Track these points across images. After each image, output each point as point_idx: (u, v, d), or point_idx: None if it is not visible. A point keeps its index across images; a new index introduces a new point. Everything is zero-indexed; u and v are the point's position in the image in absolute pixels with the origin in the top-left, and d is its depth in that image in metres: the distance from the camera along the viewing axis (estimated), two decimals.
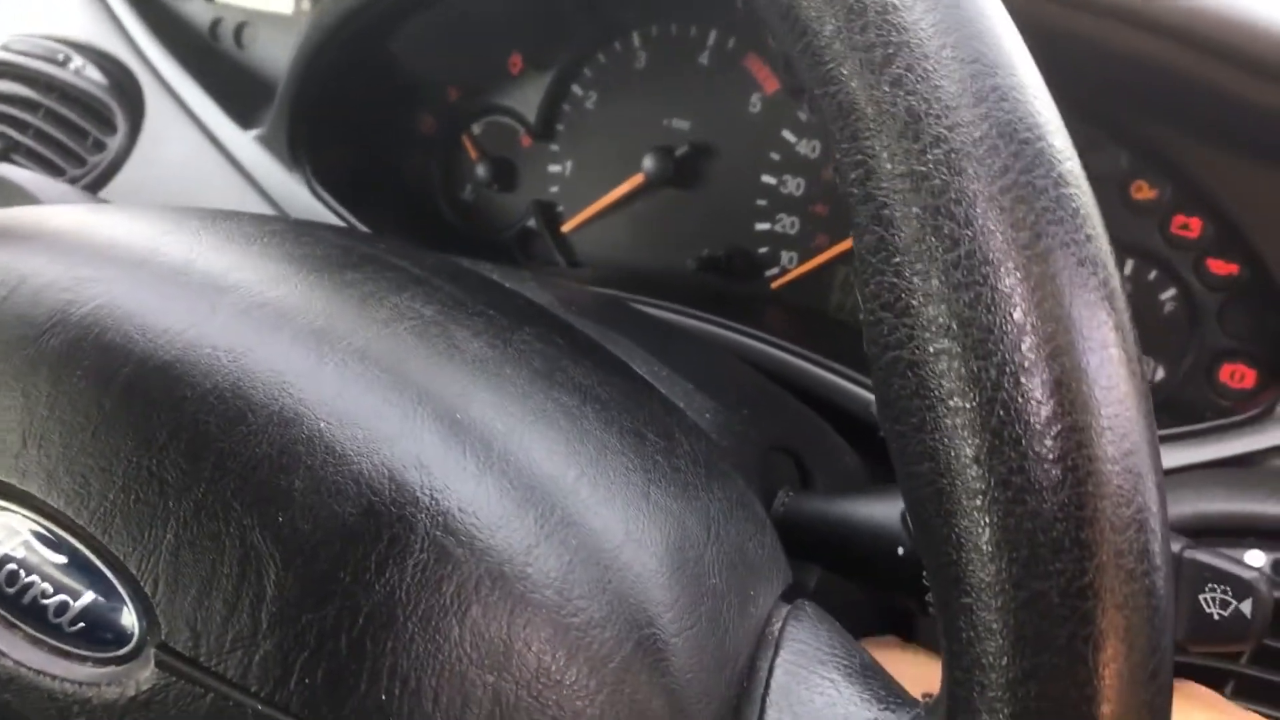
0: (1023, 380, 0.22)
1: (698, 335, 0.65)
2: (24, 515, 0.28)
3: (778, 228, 0.73)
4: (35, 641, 0.27)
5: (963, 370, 0.23)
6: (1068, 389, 0.22)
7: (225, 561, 0.26)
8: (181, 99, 0.80)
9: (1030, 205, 0.23)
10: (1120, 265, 0.49)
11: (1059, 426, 0.22)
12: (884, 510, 0.40)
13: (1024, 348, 0.22)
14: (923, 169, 0.23)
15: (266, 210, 0.77)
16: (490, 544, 0.27)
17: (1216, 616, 0.38)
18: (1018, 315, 0.22)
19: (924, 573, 0.38)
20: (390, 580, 0.26)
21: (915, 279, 0.23)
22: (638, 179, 0.75)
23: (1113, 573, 0.22)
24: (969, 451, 0.23)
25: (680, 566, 0.30)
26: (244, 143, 0.77)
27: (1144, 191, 0.61)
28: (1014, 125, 0.23)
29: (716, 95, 0.73)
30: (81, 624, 0.27)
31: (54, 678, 0.27)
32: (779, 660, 0.30)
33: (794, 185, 0.72)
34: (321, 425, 0.27)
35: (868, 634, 0.32)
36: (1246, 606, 0.38)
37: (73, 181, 0.79)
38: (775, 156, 0.72)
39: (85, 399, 0.28)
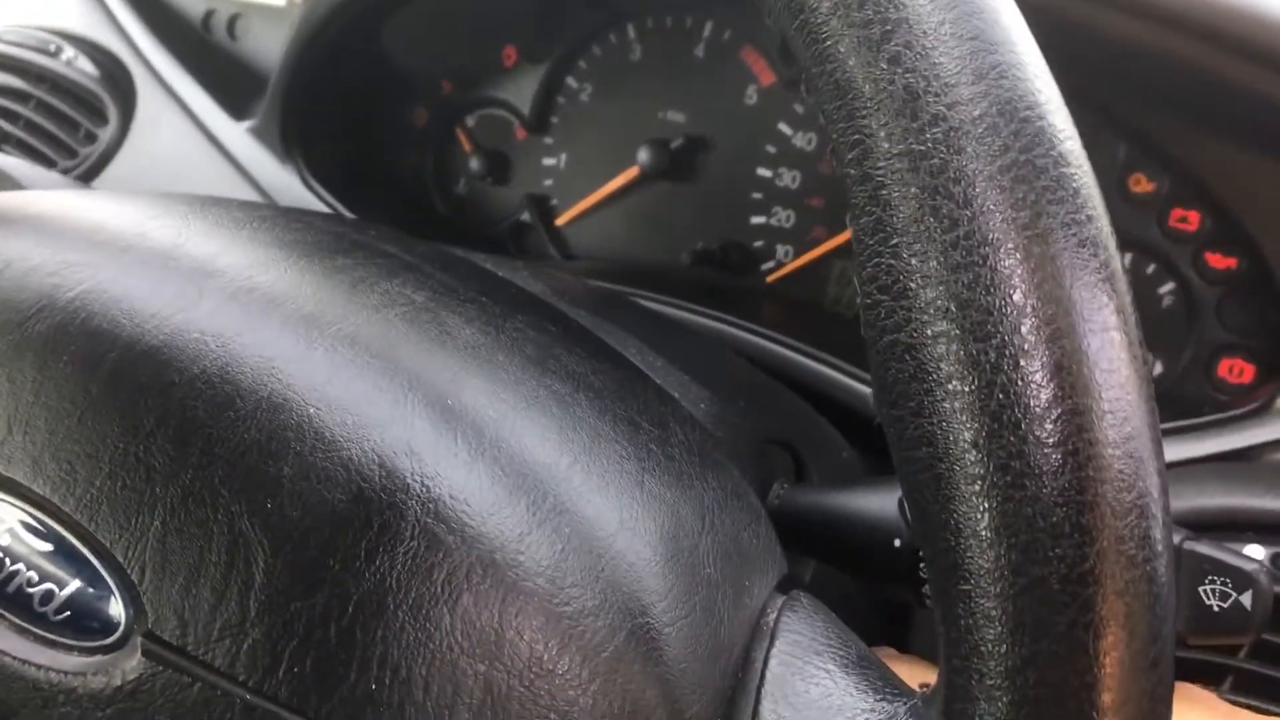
0: (1022, 363, 0.22)
1: (693, 328, 0.64)
2: (9, 502, 0.27)
3: (773, 221, 0.72)
4: (20, 630, 0.27)
5: (961, 353, 0.22)
6: (1068, 372, 0.22)
7: (213, 549, 0.26)
8: (174, 90, 0.79)
9: (1030, 184, 0.22)
10: None
11: (1059, 410, 0.22)
12: (880, 502, 0.40)
13: (1024, 330, 0.22)
14: (921, 148, 0.23)
15: (258, 200, 0.76)
16: (482, 531, 0.26)
17: (1216, 608, 0.38)
18: (1017, 297, 0.22)
19: (920, 565, 0.38)
20: (380, 568, 0.25)
21: (913, 260, 0.23)
22: (632, 172, 0.75)
23: (1113, 559, 0.22)
24: (968, 436, 0.22)
25: (674, 556, 0.29)
26: (236, 134, 0.77)
27: (1142, 184, 0.60)
28: (1014, 103, 0.23)
29: (712, 88, 0.73)
30: (67, 612, 0.27)
31: (39, 667, 0.26)
32: (774, 651, 0.30)
33: (790, 178, 0.71)
34: (311, 411, 0.27)
35: (863, 627, 0.32)
36: (1247, 599, 0.37)
37: (64, 173, 0.78)
38: (771, 149, 0.71)
39: (71, 384, 0.27)
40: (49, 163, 0.80)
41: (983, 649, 0.23)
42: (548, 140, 0.79)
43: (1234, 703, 0.47)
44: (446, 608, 0.25)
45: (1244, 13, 0.49)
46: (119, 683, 0.26)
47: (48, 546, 0.27)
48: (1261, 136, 0.55)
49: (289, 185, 0.76)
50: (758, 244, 0.73)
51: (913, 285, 0.23)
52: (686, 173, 0.74)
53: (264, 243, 0.33)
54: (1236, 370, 0.59)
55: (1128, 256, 0.61)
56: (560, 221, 0.80)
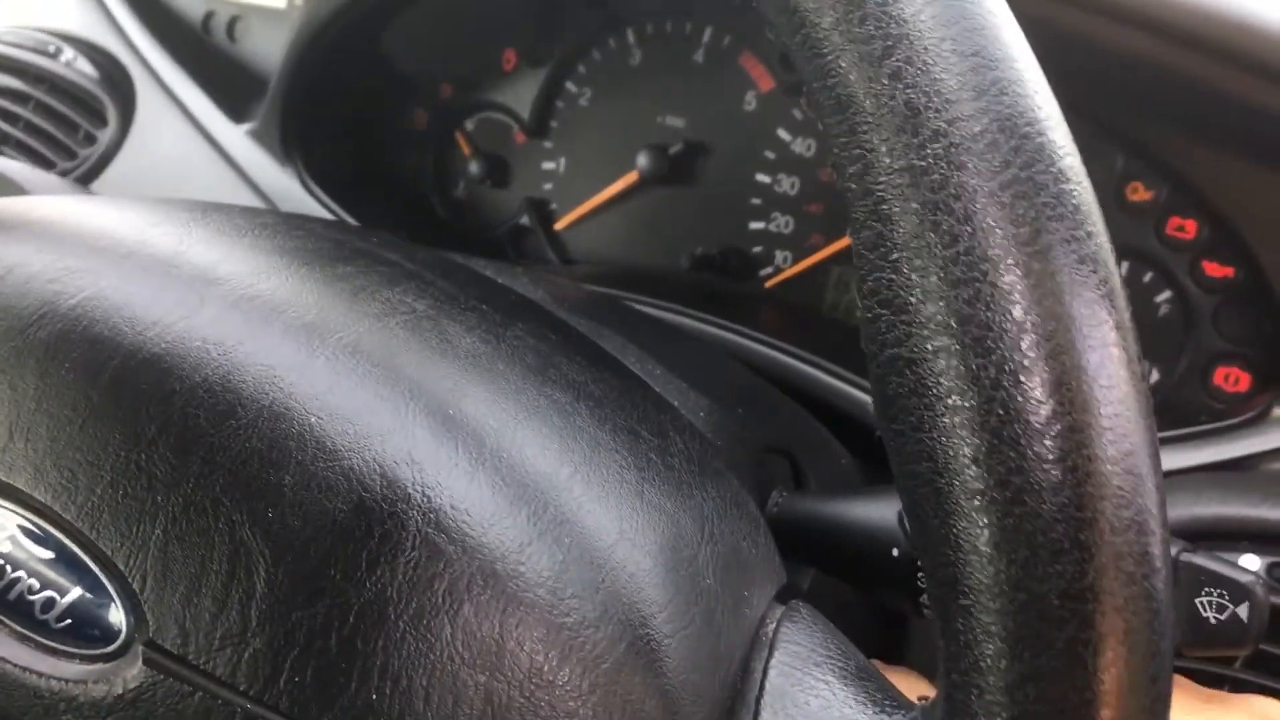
0: (1022, 379, 0.22)
1: (692, 334, 0.64)
2: (10, 510, 0.27)
3: (772, 227, 0.72)
4: (21, 638, 0.27)
5: (961, 368, 0.23)
6: (1068, 388, 0.22)
7: (214, 558, 0.26)
8: (173, 92, 0.79)
9: (1030, 201, 0.23)
10: None
11: (1059, 426, 0.22)
12: (879, 511, 0.40)
13: (1023, 346, 0.22)
14: (922, 164, 0.23)
15: (257, 204, 0.76)
16: (482, 542, 0.26)
17: (1213, 621, 0.38)
18: (1017, 313, 0.22)
19: (918, 574, 0.38)
20: (381, 578, 0.25)
21: (914, 275, 0.23)
22: (632, 177, 0.75)
23: (1112, 575, 0.22)
24: (967, 451, 0.23)
25: (674, 566, 0.30)
26: (236, 137, 0.77)
27: (1139, 193, 0.60)
28: (1014, 120, 0.23)
29: (711, 93, 0.73)
30: (68, 620, 0.27)
31: (40, 675, 0.26)
32: (773, 662, 0.30)
33: (789, 184, 0.71)
34: (312, 420, 0.27)
35: (859, 637, 0.32)
36: (1243, 611, 0.38)
37: (63, 175, 0.78)
38: (770, 155, 0.72)
39: (73, 392, 0.27)
40: (48, 164, 0.80)
41: (982, 664, 0.23)
42: (547, 144, 0.79)
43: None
44: (447, 618, 0.26)
45: (1240, 24, 0.49)
46: (120, 691, 0.26)
47: (49, 554, 0.27)
48: (1258, 146, 0.55)
49: (288, 188, 0.76)
50: (756, 250, 0.73)
51: (913, 300, 0.23)
52: (686, 178, 0.74)
53: (265, 250, 0.33)
54: (1232, 379, 0.60)
55: (1125, 265, 0.61)
56: (559, 225, 0.80)
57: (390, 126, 0.84)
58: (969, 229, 0.22)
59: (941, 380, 0.23)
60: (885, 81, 0.23)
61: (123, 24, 0.82)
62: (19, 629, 0.27)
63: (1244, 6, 0.49)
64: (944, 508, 0.23)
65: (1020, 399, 0.22)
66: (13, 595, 0.27)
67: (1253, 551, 0.47)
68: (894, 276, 0.23)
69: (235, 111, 0.78)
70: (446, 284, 0.37)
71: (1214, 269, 0.59)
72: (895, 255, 0.23)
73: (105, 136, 0.79)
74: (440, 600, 0.26)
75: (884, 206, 0.23)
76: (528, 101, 0.78)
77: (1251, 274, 0.58)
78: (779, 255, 0.73)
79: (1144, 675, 0.22)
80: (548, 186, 0.80)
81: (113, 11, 0.82)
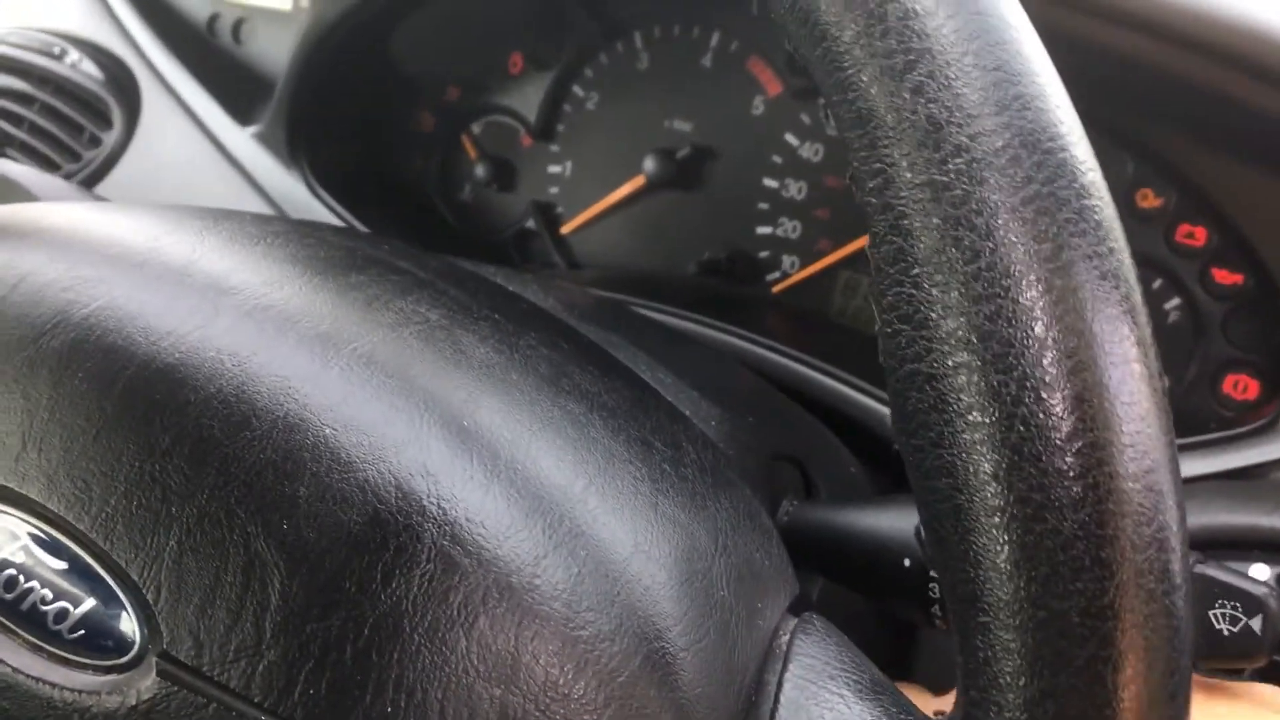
0: (1043, 395, 0.22)
1: (701, 341, 0.64)
2: (23, 520, 0.27)
3: (779, 231, 0.72)
4: (34, 648, 0.27)
5: (982, 384, 0.22)
6: (1089, 405, 0.22)
7: (229, 569, 0.26)
8: (178, 95, 0.79)
9: (1053, 217, 0.22)
10: None
11: (1080, 443, 0.22)
12: (890, 521, 0.40)
13: (1045, 362, 0.22)
14: (943, 179, 0.23)
15: (264, 207, 0.76)
16: (498, 554, 0.26)
17: (1226, 632, 0.38)
18: (1039, 329, 0.22)
19: (930, 584, 0.38)
20: (396, 590, 0.25)
21: (934, 291, 0.23)
22: (638, 181, 0.75)
23: (1133, 592, 0.22)
24: (988, 467, 0.22)
25: (689, 579, 0.29)
26: (241, 140, 0.77)
27: (1149, 200, 0.60)
28: (1036, 135, 0.23)
29: (719, 97, 0.73)
30: (81, 631, 0.27)
31: (53, 685, 0.26)
32: (788, 674, 0.30)
33: (796, 189, 0.71)
34: (327, 431, 0.27)
35: (868, 648, 0.32)
36: (1256, 623, 0.38)
37: (68, 177, 0.78)
38: (777, 160, 0.71)
39: (87, 402, 0.27)
40: (52, 166, 0.80)
41: (1001, 681, 0.23)
42: (554, 148, 0.79)
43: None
44: (462, 631, 0.25)
45: (1250, 30, 0.49)
46: (134, 702, 0.26)
47: (62, 564, 0.27)
48: (1268, 153, 0.55)
49: (294, 191, 0.76)
50: (763, 254, 0.73)
51: (934, 316, 0.23)
52: (693, 182, 0.74)
53: (278, 259, 0.33)
54: (1241, 386, 0.60)
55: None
56: (565, 229, 0.80)
57: (396, 129, 0.84)
58: (990, 244, 0.22)
59: (962, 396, 0.23)
60: (907, 96, 0.23)
61: (127, 25, 0.81)
62: (32, 639, 0.27)
63: (1253, 13, 0.49)
64: (963, 524, 0.23)
65: (1041, 415, 0.22)
66: (26, 606, 0.27)
67: (1263, 561, 0.47)
68: (914, 291, 0.23)
69: (240, 114, 0.78)
70: (459, 293, 0.37)
71: (1223, 276, 0.59)
72: (916, 270, 0.23)
73: (110, 139, 0.79)
74: (455, 613, 0.25)
75: (905, 221, 0.23)
76: (535, 105, 0.78)
77: (1261, 281, 0.58)
78: (786, 260, 0.73)
79: (1164, 692, 0.22)
80: (554, 190, 0.80)
81: (118, 13, 0.82)
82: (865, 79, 0.24)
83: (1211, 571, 0.39)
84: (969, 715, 0.24)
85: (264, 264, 0.33)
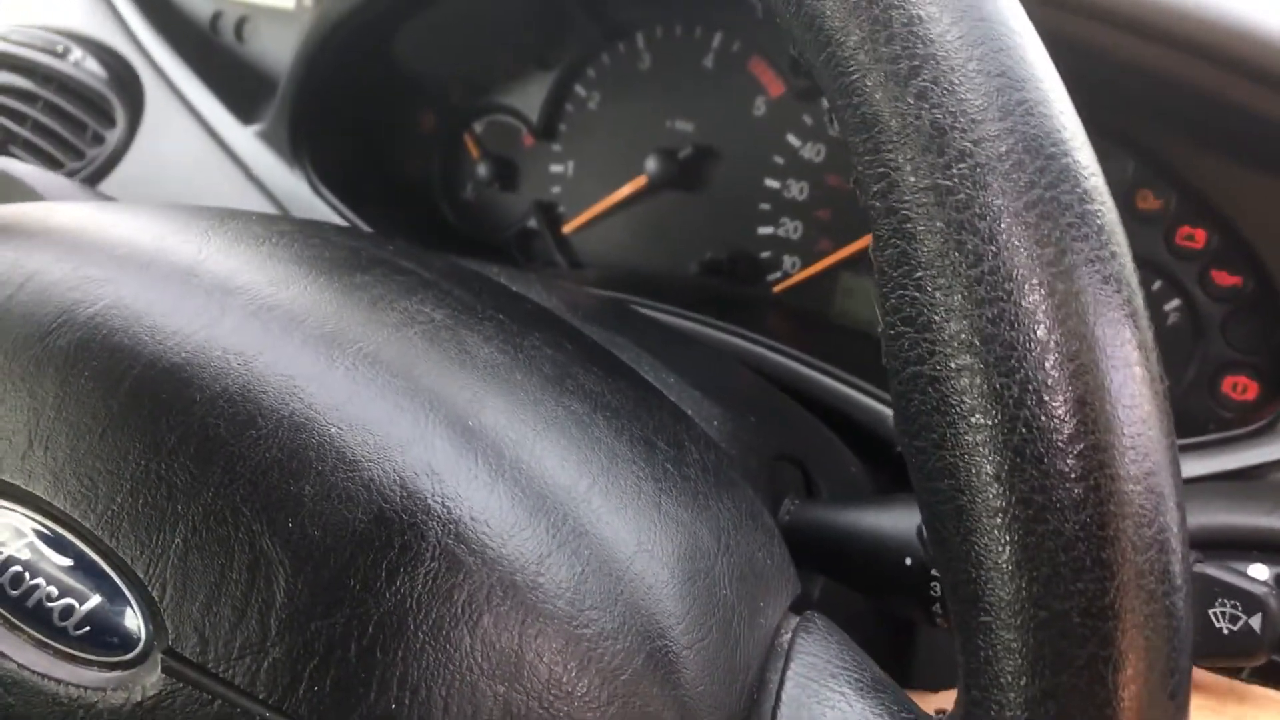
0: (1045, 398, 0.22)
1: (703, 341, 0.64)
2: (29, 517, 0.27)
3: (781, 232, 0.73)
4: (40, 644, 0.27)
5: (984, 387, 0.23)
6: (1091, 408, 0.22)
7: (234, 567, 0.26)
8: (181, 93, 0.79)
9: (1055, 221, 0.23)
10: None
11: (1081, 445, 0.22)
12: (891, 520, 0.40)
13: (1047, 365, 0.22)
14: (947, 183, 0.23)
15: (266, 206, 0.76)
16: (502, 553, 0.26)
17: (1226, 631, 0.38)
18: (1041, 332, 0.22)
19: (930, 584, 0.38)
20: (401, 588, 0.25)
21: (937, 294, 0.23)
22: (640, 181, 0.75)
23: (1134, 593, 0.22)
24: (990, 469, 0.23)
25: (691, 577, 0.30)
26: (244, 138, 0.77)
27: (1149, 201, 0.61)
28: (1040, 140, 0.23)
29: (721, 98, 0.73)
30: (87, 628, 0.27)
31: (58, 682, 0.26)
32: (789, 673, 0.30)
33: (797, 189, 0.72)
34: (332, 431, 0.27)
35: (868, 648, 0.32)
36: (1256, 621, 0.38)
37: (71, 175, 0.78)
38: (779, 160, 0.72)
39: (93, 400, 0.27)
40: (56, 164, 0.80)
41: (1003, 680, 0.23)
42: (556, 147, 0.80)
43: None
44: (467, 629, 0.26)
45: (1248, 34, 0.49)
46: (139, 698, 0.26)
47: (68, 561, 0.27)
48: (1267, 156, 0.55)
49: (296, 189, 0.76)
50: (765, 255, 0.73)
51: (936, 318, 0.23)
52: (694, 182, 0.74)
53: (283, 259, 0.34)
54: (1240, 388, 0.60)
55: None
56: (567, 229, 0.80)
57: (399, 128, 0.84)
58: (994, 248, 0.23)
59: (964, 398, 0.23)
60: (911, 101, 0.23)
61: (130, 24, 0.82)
62: (37, 636, 0.27)
63: (1253, 17, 0.49)
64: (965, 525, 0.23)
65: (1043, 418, 0.22)
66: (31, 602, 0.27)
67: (1261, 561, 0.47)
68: (917, 294, 0.24)
69: (243, 112, 0.78)
70: (463, 293, 0.37)
71: (1223, 278, 0.59)
72: (919, 274, 0.23)
73: (113, 137, 0.79)
74: (460, 611, 0.26)
75: (908, 225, 0.24)
76: (537, 104, 0.78)
77: (1260, 283, 0.58)
78: (787, 260, 0.73)
79: (1164, 692, 0.23)
80: (556, 190, 0.80)
81: (121, 11, 0.82)
82: (870, 84, 0.24)
83: (1211, 570, 0.39)
84: (970, 714, 0.24)
85: (269, 264, 0.33)
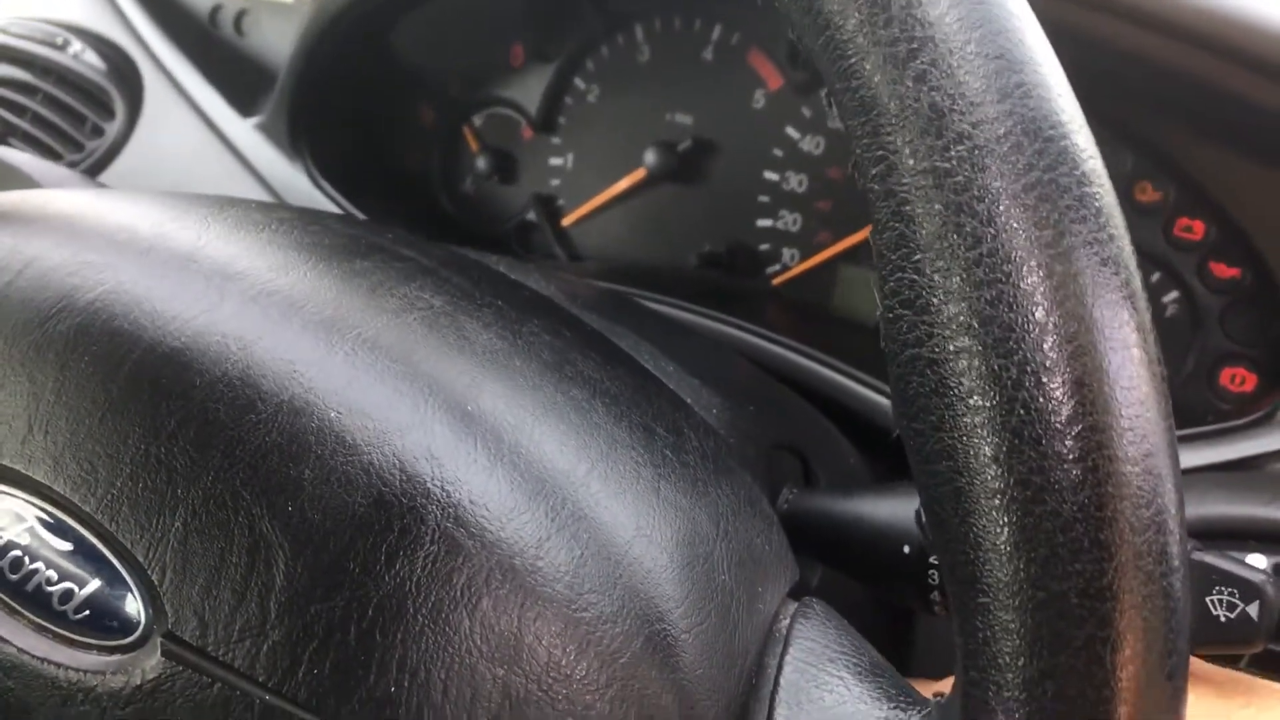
0: (1044, 379, 0.22)
1: (702, 331, 0.65)
2: (30, 501, 0.28)
3: (780, 224, 0.73)
4: (39, 628, 0.27)
5: (983, 369, 0.23)
6: (1089, 389, 0.22)
7: (234, 550, 0.26)
8: (180, 85, 0.79)
9: (1054, 203, 0.23)
10: None
11: (1079, 426, 0.22)
12: (889, 508, 0.40)
13: (1045, 347, 0.22)
14: (945, 165, 0.23)
15: (265, 198, 0.76)
16: (501, 537, 0.26)
17: (1223, 619, 0.38)
18: (1039, 314, 0.22)
19: (928, 571, 0.38)
20: (400, 572, 0.26)
21: (936, 276, 0.23)
22: (639, 173, 0.75)
23: (1131, 574, 0.22)
24: (988, 450, 0.23)
25: (690, 562, 0.30)
26: (243, 130, 0.77)
27: (1148, 193, 0.61)
28: (1038, 122, 0.23)
29: (720, 90, 0.73)
30: (87, 612, 0.27)
31: (58, 665, 0.26)
32: (788, 657, 0.30)
33: (796, 181, 0.72)
34: (332, 415, 0.27)
35: (867, 636, 0.32)
36: (1254, 609, 0.38)
37: (70, 167, 0.78)
38: (778, 153, 0.72)
39: (92, 385, 0.27)
40: (55, 156, 0.80)
41: (1000, 661, 0.23)
42: (555, 140, 0.80)
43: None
44: (465, 612, 0.26)
45: (1249, 25, 0.49)
46: (138, 682, 0.26)
47: (68, 546, 0.27)
48: (1266, 148, 0.55)
49: (296, 182, 0.76)
50: (764, 247, 0.73)
51: (935, 301, 0.23)
52: (693, 175, 0.74)
53: (282, 245, 0.34)
54: (1238, 379, 0.60)
55: None
56: (566, 222, 0.80)
57: (398, 121, 0.84)
58: (992, 230, 0.23)
59: (963, 380, 0.23)
60: (910, 84, 0.23)
61: (130, 16, 0.82)
62: (37, 620, 0.27)
63: (1252, 7, 0.49)
64: (964, 506, 0.23)
65: (1042, 399, 0.22)
66: (31, 586, 0.27)
67: (1260, 551, 0.48)
68: (916, 277, 0.24)
69: (243, 105, 0.78)
70: (462, 280, 0.37)
71: (1221, 270, 0.59)
72: (918, 256, 0.23)
73: (112, 129, 0.79)
74: (459, 594, 0.26)
75: (907, 208, 0.24)
76: (536, 97, 0.78)
77: (1259, 275, 0.58)
78: (786, 253, 0.73)
79: (1161, 672, 0.23)
80: (555, 182, 0.80)
81: (119, 4, 0.82)
82: (868, 67, 0.24)
83: (1210, 558, 0.39)
84: (968, 695, 0.24)
85: (269, 250, 0.33)
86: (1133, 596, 0.22)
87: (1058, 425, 0.22)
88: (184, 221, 0.33)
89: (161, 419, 0.27)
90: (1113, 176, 0.59)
